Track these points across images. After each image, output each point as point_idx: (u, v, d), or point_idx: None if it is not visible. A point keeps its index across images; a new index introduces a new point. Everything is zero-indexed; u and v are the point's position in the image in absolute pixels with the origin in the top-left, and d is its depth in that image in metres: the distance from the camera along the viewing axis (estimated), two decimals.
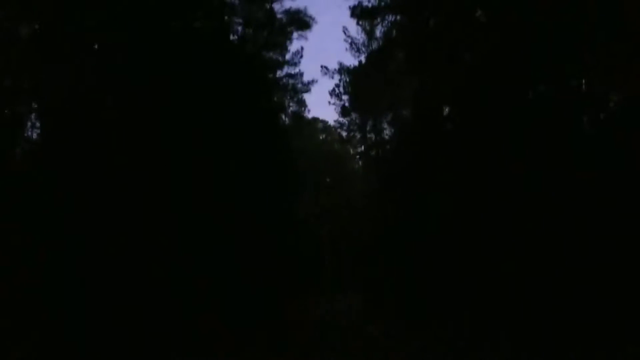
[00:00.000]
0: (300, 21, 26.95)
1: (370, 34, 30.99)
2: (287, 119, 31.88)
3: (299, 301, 25.32)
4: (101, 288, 12.61)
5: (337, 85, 33.73)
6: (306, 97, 44.80)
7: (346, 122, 36.10)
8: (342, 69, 33.02)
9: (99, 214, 13.35)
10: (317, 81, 41.52)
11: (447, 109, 22.76)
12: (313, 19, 27.27)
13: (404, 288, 22.72)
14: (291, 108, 31.31)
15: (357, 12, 26.30)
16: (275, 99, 28.64)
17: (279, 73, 28.10)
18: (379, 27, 28.18)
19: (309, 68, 79.24)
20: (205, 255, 17.16)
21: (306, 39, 28.30)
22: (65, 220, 12.82)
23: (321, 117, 60.86)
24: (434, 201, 21.00)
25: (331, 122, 42.62)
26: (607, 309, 12.28)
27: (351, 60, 57.64)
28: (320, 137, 43.92)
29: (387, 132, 31.39)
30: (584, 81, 16.07)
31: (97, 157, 13.84)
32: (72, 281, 12.59)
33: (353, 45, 31.61)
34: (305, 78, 29.75)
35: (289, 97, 31.12)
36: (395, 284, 24.20)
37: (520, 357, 12.68)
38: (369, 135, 34.91)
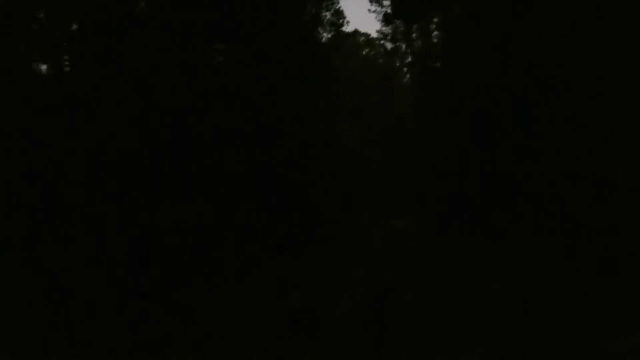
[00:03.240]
0: None
1: None
2: (324, 33, 28.96)
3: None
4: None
5: None
6: (344, 5, 41.07)
7: (390, 31, 32.55)
8: None
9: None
10: None
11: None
12: None
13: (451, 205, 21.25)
14: (327, 19, 28.18)
15: None
16: (309, 9, 25.71)
17: None
18: None
19: None
20: (242, 182, 16.54)
21: None
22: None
23: (362, 29, 56.92)
24: (488, 114, 18.86)
25: (374, 35, 39.27)
26: None
27: None
28: (363, 52, 40.52)
29: (436, 37, 27.86)
30: None
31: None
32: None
33: None
34: None
35: (324, 8, 27.98)
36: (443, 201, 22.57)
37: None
38: (415, 44, 31.45)
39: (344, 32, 31.44)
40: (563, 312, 10.36)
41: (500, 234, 16.74)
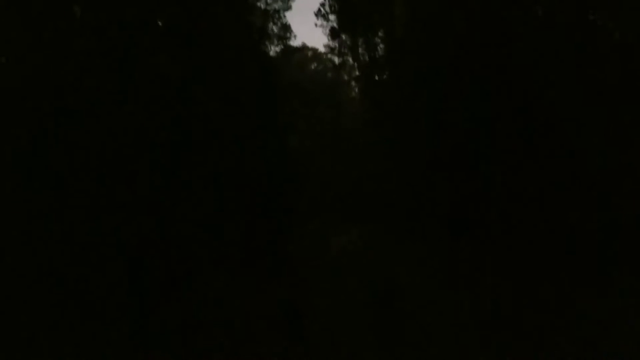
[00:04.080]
0: None
1: None
2: (271, 47, 29.06)
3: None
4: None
5: (323, 4, 30.53)
6: (290, 20, 41.32)
7: (336, 45, 33.05)
8: None
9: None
10: None
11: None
12: None
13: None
14: (274, 32, 28.33)
15: None
16: (257, 24, 25.80)
17: None
18: None
19: None
20: (196, 196, 15.78)
21: None
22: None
23: (310, 44, 57.42)
24: (433, 123, 19.29)
25: (321, 49, 39.71)
26: None
27: None
28: (312, 66, 40.90)
29: (381, 50, 28.54)
30: None
31: None
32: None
33: None
34: None
35: (271, 22, 28.14)
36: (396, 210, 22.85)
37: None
38: (362, 59, 32.07)
39: (291, 46, 31.72)
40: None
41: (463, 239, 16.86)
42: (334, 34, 32.21)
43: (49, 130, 12.08)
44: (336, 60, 35.76)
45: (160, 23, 16.90)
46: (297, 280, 14.15)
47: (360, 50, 31.61)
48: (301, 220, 24.24)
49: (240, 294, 13.11)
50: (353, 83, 38.17)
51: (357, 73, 34.51)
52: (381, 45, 28.73)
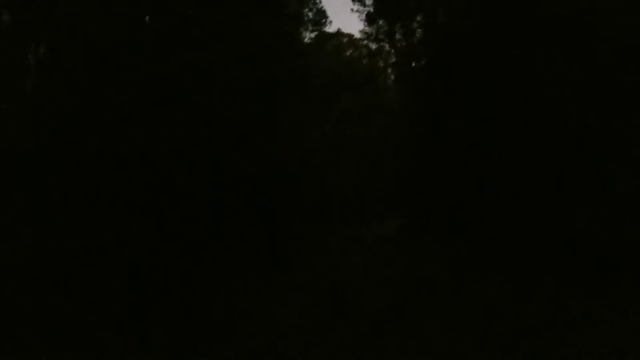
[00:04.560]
0: None
1: None
2: (306, 33, 28.46)
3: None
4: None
5: None
6: (326, 5, 40.32)
7: (373, 31, 32.07)
8: None
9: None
10: None
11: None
12: None
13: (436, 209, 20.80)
14: (309, 17, 27.64)
15: None
16: (291, 8, 25.14)
17: None
18: None
19: None
20: (212, 191, 15.49)
21: None
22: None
23: (346, 30, 56.45)
24: (468, 115, 18.47)
25: (357, 34, 38.80)
26: None
27: None
28: (347, 53, 40.00)
29: (419, 36, 27.43)
30: None
31: None
32: None
33: None
34: None
35: (305, 6, 27.48)
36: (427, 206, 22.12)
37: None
38: (399, 45, 31.03)
39: (326, 32, 30.99)
40: (556, 313, 9.98)
41: (492, 238, 16.37)
42: (370, 19, 31.26)
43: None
44: (372, 46, 34.88)
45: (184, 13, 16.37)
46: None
47: (397, 36, 30.60)
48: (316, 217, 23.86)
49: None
50: (389, 70, 37.25)
51: (393, 59, 33.52)
52: (419, 31, 27.57)
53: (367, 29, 32.52)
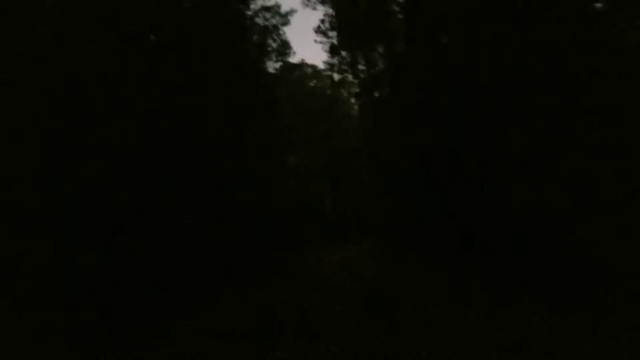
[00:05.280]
0: None
1: None
2: (270, 64, 28.91)
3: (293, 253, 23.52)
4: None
5: (322, 21, 30.44)
6: (290, 37, 41.30)
7: (336, 62, 32.88)
8: None
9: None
10: (296, 11, 37.97)
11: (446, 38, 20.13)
12: None
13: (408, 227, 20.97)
14: (273, 50, 28.15)
15: None
16: (254, 38, 25.62)
17: (252, 7, 24.73)
18: None
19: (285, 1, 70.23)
20: (181, 216, 15.18)
21: None
22: None
23: (309, 61, 57.47)
24: (432, 138, 18.87)
25: (320, 65, 39.55)
26: None
27: None
28: (311, 84, 40.76)
29: (381, 67, 28.28)
30: None
31: None
32: None
33: None
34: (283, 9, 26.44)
35: (269, 38, 27.98)
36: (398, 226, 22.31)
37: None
38: (362, 76, 31.86)
39: (290, 62, 31.56)
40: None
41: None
42: (333, 50, 32.07)
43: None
44: (336, 77, 35.66)
45: (154, 38, 16.54)
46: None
47: (359, 66, 31.44)
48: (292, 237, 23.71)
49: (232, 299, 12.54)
50: (352, 100, 38.06)
51: (357, 90, 34.32)
52: (381, 62, 28.46)
53: (331, 60, 33.34)
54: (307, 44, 73.25)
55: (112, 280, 11.24)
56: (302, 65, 37.20)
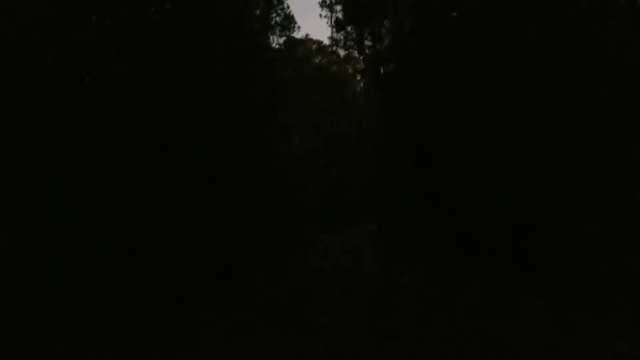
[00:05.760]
0: None
1: None
2: (274, 38, 28.18)
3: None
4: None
5: None
6: (294, 11, 40.39)
7: (342, 37, 32.13)
8: None
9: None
10: None
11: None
12: None
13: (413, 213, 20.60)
14: (277, 24, 27.41)
15: None
16: (258, 12, 24.88)
17: None
18: None
19: None
20: (185, 199, 14.86)
21: None
22: None
23: (314, 37, 56.50)
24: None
25: (325, 41, 38.83)
26: None
27: None
28: (316, 60, 39.93)
29: (387, 42, 27.49)
30: None
31: None
32: None
33: None
34: None
35: (273, 13, 27.23)
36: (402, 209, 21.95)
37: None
38: (368, 52, 31.09)
39: (294, 38, 30.81)
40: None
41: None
42: (339, 25, 31.28)
43: (45, 131, 11.31)
44: (341, 53, 34.92)
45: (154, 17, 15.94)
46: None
47: (366, 42, 30.66)
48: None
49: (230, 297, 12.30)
50: (358, 76, 37.31)
51: (362, 66, 33.57)
52: (388, 37, 27.67)
53: (336, 35, 32.60)
54: (311, 20, 71.90)
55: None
56: (306, 40, 36.43)
